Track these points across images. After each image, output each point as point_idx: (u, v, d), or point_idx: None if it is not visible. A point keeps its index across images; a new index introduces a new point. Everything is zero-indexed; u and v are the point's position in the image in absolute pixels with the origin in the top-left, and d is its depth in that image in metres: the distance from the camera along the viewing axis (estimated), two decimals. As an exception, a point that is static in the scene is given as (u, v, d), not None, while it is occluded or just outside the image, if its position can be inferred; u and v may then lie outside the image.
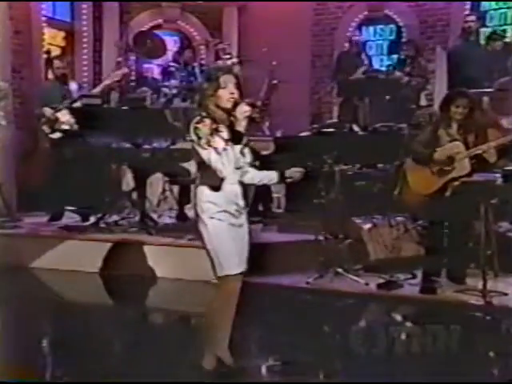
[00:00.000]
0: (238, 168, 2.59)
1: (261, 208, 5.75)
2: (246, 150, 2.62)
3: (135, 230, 5.11)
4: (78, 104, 5.31)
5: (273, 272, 4.43)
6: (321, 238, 4.48)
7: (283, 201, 5.96)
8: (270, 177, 2.72)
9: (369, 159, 5.05)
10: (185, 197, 5.43)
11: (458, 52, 6.42)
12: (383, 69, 7.44)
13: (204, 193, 2.60)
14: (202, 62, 8.21)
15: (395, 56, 7.95)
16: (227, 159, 2.53)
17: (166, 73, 7.12)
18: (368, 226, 4.72)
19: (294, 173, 2.70)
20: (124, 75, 5.91)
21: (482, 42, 6.69)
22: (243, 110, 2.55)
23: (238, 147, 2.55)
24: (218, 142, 2.51)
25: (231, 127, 2.57)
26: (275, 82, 7.25)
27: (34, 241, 4.95)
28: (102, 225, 5.20)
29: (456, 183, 4.09)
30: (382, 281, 4.33)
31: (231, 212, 2.60)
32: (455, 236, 4.15)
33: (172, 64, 7.22)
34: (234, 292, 2.64)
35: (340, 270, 4.40)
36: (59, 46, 7.66)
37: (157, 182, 5.65)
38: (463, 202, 4.05)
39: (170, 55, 8.04)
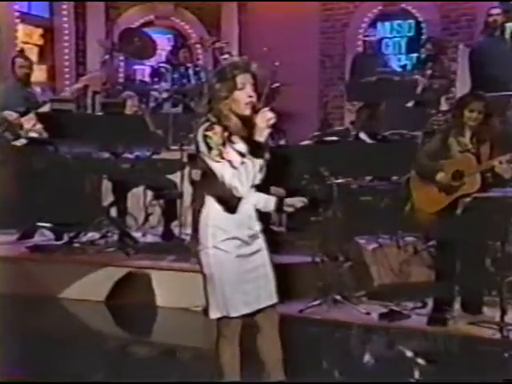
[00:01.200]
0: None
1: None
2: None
3: (112, 250, 5.11)
4: (45, 109, 5.32)
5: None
6: (318, 259, 4.44)
7: (284, 217, 5.89)
8: (266, 203, 2.54)
9: (376, 171, 5.00)
10: (171, 213, 5.41)
11: (481, 49, 6.33)
12: (399, 69, 7.40)
13: (210, 215, 2.42)
14: (199, 62, 8.30)
15: (414, 55, 7.92)
16: (246, 175, 2.32)
17: (156, 75, 7.13)
18: (372, 246, 4.68)
19: (297, 202, 2.54)
20: (98, 78, 5.89)
21: (508, 37, 6.60)
22: (267, 117, 2.33)
23: (258, 161, 2.34)
24: (232, 154, 2.33)
25: (248, 137, 2.37)
26: (277, 84, 7.29)
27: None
28: (76, 244, 5.19)
29: (468, 199, 4.02)
30: (385, 310, 4.25)
31: (243, 239, 2.44)
32: (469, 259, 4.06)
33: (162, 65, 7.24)
34: (234, 338, 2.46)
35: (339, 296, 4.34)
36: (36, 44, 7.76)
37: (140, 196, 5.65)
38: (477, 220, 3.96)
39: (163, 55, 8.14)
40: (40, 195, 5.27)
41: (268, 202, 2.55)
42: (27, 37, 7.63)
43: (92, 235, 5.30)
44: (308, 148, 5.17)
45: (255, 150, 2.35)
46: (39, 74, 7.65)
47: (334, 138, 5.37)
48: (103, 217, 5.23)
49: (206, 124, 2.36)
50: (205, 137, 2.34)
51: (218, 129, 2.35)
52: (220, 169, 2.36)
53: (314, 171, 4.34)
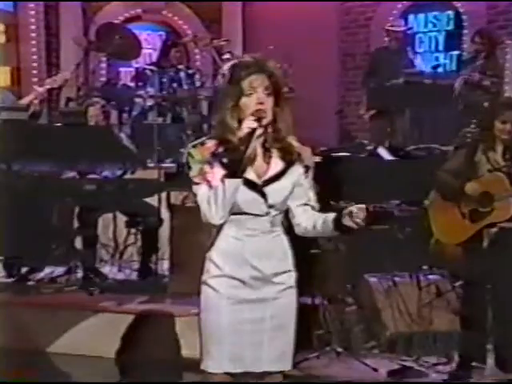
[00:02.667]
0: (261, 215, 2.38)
1: None
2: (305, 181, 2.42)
3: (73, 290, 5.08)
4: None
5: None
6: (318, 302, 4.36)
7: None
8: (325, 223, 2.43)
9: (394, 194, 4.96)
10: (149, 244, 5.37)
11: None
12: (431, 71, 7.31)
13: (211, 246, 2.44)
14: (197, 64, 8.32)
15: (455, 53, 7.84)
16: (222, 199, 2.30)
17: (141, 78, 7.13)
18: (385, 286, 4.58)
19: (358, 211, 2.35)
20: (63, 80, 5.92)
21: None
22: (250, 125, 2.32)
23: (234, 182, 2.30)
24: (216, 173, 2.32)
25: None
26: (285, 89, 7.25)
27: None
28: (32, 282, 5.18)
29: (494, 229, 3.92)
30: (396, 366, 4.15)
31: (241, 279, 2.39)
32: (503, 303, 3.96)
33: (148, 67, 7.25)
34: None
35: (341, 349, 4.26)
36: (-4, 42, 7.83)
37: (117, 224, 5.62)
38: (508, 255, 3.86)
39: (154, 55, 8.18)
40: None
41: (327, 222, 2.42)
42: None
43: (51, 271, 5.29)
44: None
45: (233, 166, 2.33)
46: (1, 77, 7.73)
47: (345, 154, 5.31)
48: (65, 249, 5.22)
49: (199, 140, 2.39)
50: (188, 154, 2.37)
51: (208, 145, 2.36)
52: (196, 191, 2.36)
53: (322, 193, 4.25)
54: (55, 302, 4.90)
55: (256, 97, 2.35)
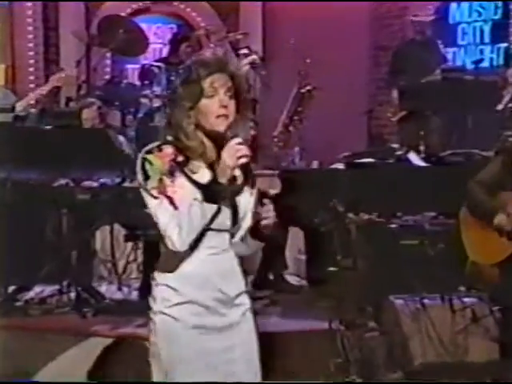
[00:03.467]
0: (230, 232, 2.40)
1: (271, 276, 5.74)
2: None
3: (65, 311, 5.07)
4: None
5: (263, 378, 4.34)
6: (336, 326, 4.35)
7: (303, 265, 5.89)
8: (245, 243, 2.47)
9: (425, 205, 4.95)
10: (151, 260, 5.32)
11: None
12: (473, 66, 7.22)
13: (165, 269, 2.43)
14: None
15: (502, 45, 7.73)
16: (189, 223, 2.27)
17: (147, 76, 7.13)
18: (413, 309, 4.51)
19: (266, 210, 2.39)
20: (64, 79, 5.94)
21: None
22: (236, 152, 2.28)
23: (210, 208, 2.29)
24: (181, 190, 2.30)
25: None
26: (308, 88, 7.24)
27: None
28: (19, 302, 5.17)
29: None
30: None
31: (206, 304, 2.40)
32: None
33: (154, 63, 7.25)
34: None
35: (361, 380, 4.21)
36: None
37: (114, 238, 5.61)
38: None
39: (165, 51, 8.20)
40: None
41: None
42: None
43: (41, 290, 5.27)
44: (330, 174, 5.09)
45: (213, 192, 2.30)
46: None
47: (370, 160, 5.26)
48: (56, 265, 5.19)
49: (154, 144, 2.33)
50: (143, 161, 2.30)
51: (168, 150, 2.31)
52: (155, 207, 2.31)
53: (327, 204, 4.24)
54: (44, 325, 4.88)
55: (218, 99, 2.33)
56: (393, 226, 4.85)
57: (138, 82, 7.42)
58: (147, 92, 6.95)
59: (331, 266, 4.42)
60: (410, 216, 4.98)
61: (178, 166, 2.30)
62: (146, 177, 2.30)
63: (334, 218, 4.38)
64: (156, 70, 7.07)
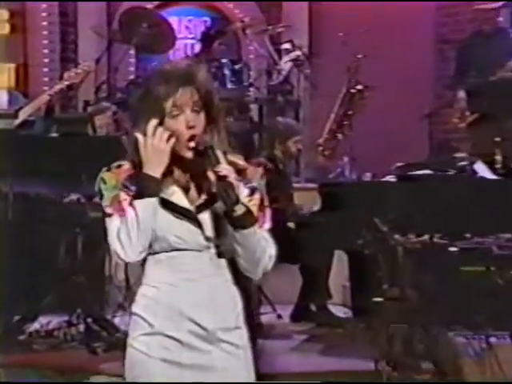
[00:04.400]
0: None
1: (313, 307, 5.72)
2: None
3: (73, 346, 5.06)
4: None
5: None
6: (382, 367, 4.31)
7: (349, 294, 5.89)
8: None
9: (494, 226, 4.85)
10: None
11: None
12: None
13: (137, 294, 2.45)
14: (251, 56, 8.28)
15: None
16: (137, 230, 2.32)
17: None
18: (477, 348, 4.43)
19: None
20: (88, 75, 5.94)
21: None
22: (184, 153, 2.39)
23: (150, 202, 2.33)
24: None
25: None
26: (360, 87, 7.15)
27: None
28: (22, 336, 5.16)
29: None
30: None
31: (177, 338, 2.39)
32: None
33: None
34: None
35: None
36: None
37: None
38: None
39: (198, 47, 8.17)
40: None
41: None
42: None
43: (47, 321, 5.26)
44: (377, 188, 5.01)
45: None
46: (3, 76, 7.83)
47: (427, 172, 5.14)
48: (64, 292, 5.18)
49: (116, 163, 2.42)
50: (100, 180, 2.42)
51: (125, 167, 2.40)
52: (107, 225, 2.39)
53: (370, 223, 4.17)
54: (49, 361, 4.88)
55: (184, 119, 2.35)
56: (451, 249, 4.76)
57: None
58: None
59: (376, 296, 4.32)
60: (473, 238, 4.86)
61: (133, 181, 2.36)
62: (101, 196, 2.40)
63: (378, 240, 4.28)
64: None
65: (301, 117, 7.58)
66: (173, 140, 2.32)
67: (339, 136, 7.32)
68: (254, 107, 7.39)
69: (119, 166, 2.40)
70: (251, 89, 7.36)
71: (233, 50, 8.09)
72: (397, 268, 4.29)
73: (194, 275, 2.39)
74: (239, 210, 2.32)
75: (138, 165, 2.36)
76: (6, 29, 7.94)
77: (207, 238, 2.39)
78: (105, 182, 2.38)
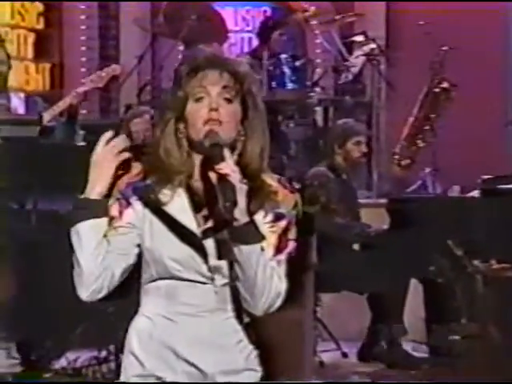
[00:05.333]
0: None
1: (383, 344, 5.66)
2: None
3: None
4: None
5: None
6: None
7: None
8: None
9: None
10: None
11: None
12: None
13: (131, 325, 2.46)
14: (317, 51, 8.19)
15: None
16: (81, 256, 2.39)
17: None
18: None
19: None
20: (115, 78, 5.94)
21: None
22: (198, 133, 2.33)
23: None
24: (128, 216, 2.36)
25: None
26: (444, 85, 7.03)
27: None
28: (48, 373, 5.18)
29: None
30: None
31: (173, 379, 2.38)
32: None
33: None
34: None
35: None
36: (31, 29, 7.93)
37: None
38: None
39: (256, 41, 8.12)
40: None
41: None
42: (16, 17, 7.81)
43: (75, 357, 5.27)
44: (456, 204, 4.89)
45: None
46: (35, 76, 7.90)
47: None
48: (95, 325, 5.18)
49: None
50: None
51: (135, 169, 2.37)
52: None
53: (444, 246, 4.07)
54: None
55: (208, 101, 2.31)
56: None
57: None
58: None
59: (454, 333, 4.19)
60: None
61: (136, 193, 2.33)
62: None
63: (454, 266, 4.11)
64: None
65: (374, 121, 7.45)
66: (126, 155, 2.28)
67: (419, 143, 7.19)
68: (318, 110, 7.28)
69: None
70: (315, 89, 7.25)
71: (295, 44, 8.00)
72: (476, 300, 4.15)
73: (195, 310, 2.35)
74: (242, 218, 2.24)
75: (155, 171, 2.34)
76: (40, 24, 8.00)
77: (212, 269, 2.33)
78: None
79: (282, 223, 2.36)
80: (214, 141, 2.28)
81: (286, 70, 7.23)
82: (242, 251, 2.26)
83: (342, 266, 5.24)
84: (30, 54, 7.90)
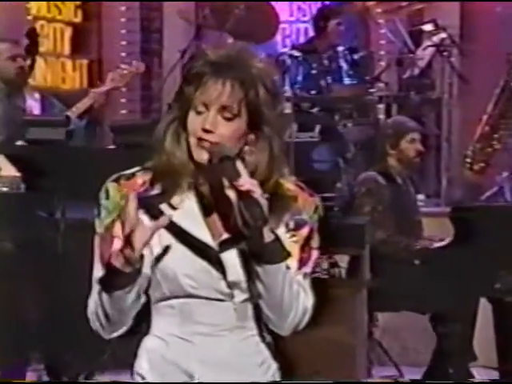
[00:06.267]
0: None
1: (450, 369, 5.56)
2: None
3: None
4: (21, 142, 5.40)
5: None
6: None
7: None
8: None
9: None
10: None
11: None
12: None
13: (141, 347, 2.48)
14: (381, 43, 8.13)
15: None
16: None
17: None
18: None
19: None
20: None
21: None
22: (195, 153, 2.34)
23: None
24: (140, 232, 2.29)
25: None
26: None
27: None
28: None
29: None
30: None
31: None
32: None
33: (287, 51, 7.31)
34: None
35: None
36: (68, 22, 8.04)
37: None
38: None
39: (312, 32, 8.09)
40: (24, 306, 5.36)
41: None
42: (53, 9, 7.90)
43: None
44: None
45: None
46: (72, 74, 7.98)
47: None
48: (123, 346, 5.16)
49: (129, 171, 2.43)
50: (104, 192, 2.41)
51: (137, 180, 2.39)
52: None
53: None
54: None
55: (204, 119, 2.30)
56: None
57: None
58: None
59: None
60: None
61: (146, 202, 2.31)
62: (98, 213, 2.38)
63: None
64: (289, 61, 7.03)
65: (444, 120, 7.35)
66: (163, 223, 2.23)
67: (495, 144, 7.08)
68: (380, 108, 7.21)
69: (132, 176, 2.38)
70: (377, 84, 7.22)
71: (355, 34, 7.97)
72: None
73: (212, 329, 2.35)
74: (268, 237, 2.23)
75: (161, 178, 2.35)
76: (79, 16, 8.08)
77: (231, 284, 2.33)
78: (107, 196, 2.37)
79: (304, 231, 2.36)
80: (221, 154, 2.27)
81: (343, 63, 7.21)
82: (268, 271, 2.26)
83: (398, 283, 5.16)
84: (67, 49, 7.98)
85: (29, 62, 5.92)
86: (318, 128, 6.84)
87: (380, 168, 5.61)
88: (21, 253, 5.32)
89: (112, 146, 5.42)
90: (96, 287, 2.30)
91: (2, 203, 5.41)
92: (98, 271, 2.30)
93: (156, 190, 2.35)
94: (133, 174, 2.38)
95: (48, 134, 5.23)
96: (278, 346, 4.34)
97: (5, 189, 5.36)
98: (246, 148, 2.32)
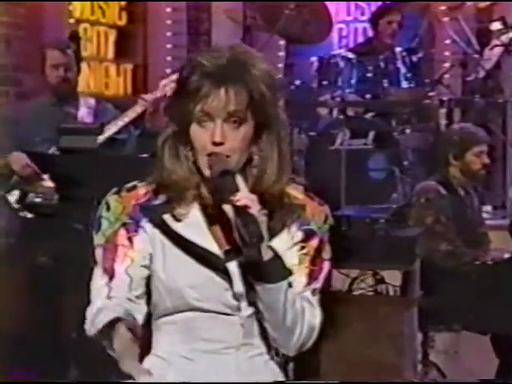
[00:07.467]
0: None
1: None
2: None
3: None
4: (54, 149, 5.48)
5: None
6: None
7: None
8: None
9: None
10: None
11: None
12: None
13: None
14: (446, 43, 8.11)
15: None
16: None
17: (326, 73, 7.21)
18: None
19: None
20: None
21: None
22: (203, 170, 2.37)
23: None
24: (140, 243, 2.42)
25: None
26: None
27: None
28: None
29: None
30: None
31: None
32: None
33: (340, 52, 7.38)
34: None
35: None
36: (112, 25, 8.09)
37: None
38: None
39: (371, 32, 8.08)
40: (61, 320, 5.40)
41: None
42: (97, 11, 7.96)
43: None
44: None
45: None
46: (116, 79, 8.05)
47: None
48: None
49: (134, 183, 2.48)
50: (105, 205, 2.46)
51: (139, 191, 2.45)
52: (93, 276, 2.42)
53: None
54: None
55: (211, 130, 2.31)
56: None
57: (315, 84, 7.43)
58: (327, 97, 7.03)
59: None
60: None
61: (149, 210, 2.38)
62: (98, 226, 2.42)
63: None
64: (342, 63, 7.05)
65: (510, 125, 7.30)
66: None
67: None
68: (441, 113, 7.18)
69: (133, 188, 2.43)
70: (438, 87, 7.21)
71: (415, 34, 7.91)
72: None
73: (217, 346, 2.36)
74: (266, 254, 2.24)
75: (163, 190, 2.39)
76: (123, 19, 8.14)
77: (237, 296, 2.33)
78: (108, 208, 2.41)
79: (314, 242, 2.37)
80: (221, 168, 2.29)
81: (400, 65, 7.20)
82: (268, 290, 2.27)
83: (454, 300, 5.11)
84: (111, 53, 8.01)
85: (74, 70, 5.97)
86: (371, 134, 6.85)
87: (440, 178, 5.50)
88: (56, 266, 5.39)
89: (146, 155, 5.44)
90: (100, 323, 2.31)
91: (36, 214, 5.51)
92: (103, 279, 2.36)
93: (159, 201, 2.39)
94: (134, 186, 2.43)
95: (80, 142, 5.27)
96: (318, 366, 4.38)
97: (38, 200, 5.45)
98: (256, 156, 2.35)
